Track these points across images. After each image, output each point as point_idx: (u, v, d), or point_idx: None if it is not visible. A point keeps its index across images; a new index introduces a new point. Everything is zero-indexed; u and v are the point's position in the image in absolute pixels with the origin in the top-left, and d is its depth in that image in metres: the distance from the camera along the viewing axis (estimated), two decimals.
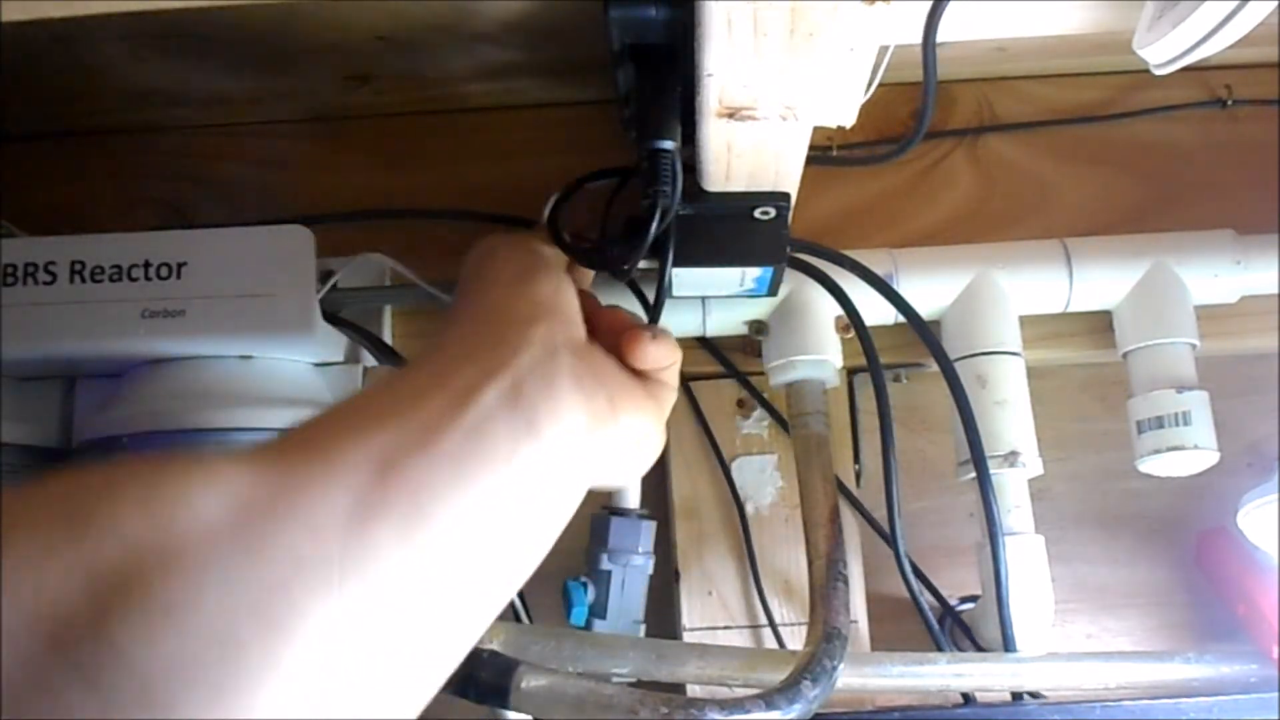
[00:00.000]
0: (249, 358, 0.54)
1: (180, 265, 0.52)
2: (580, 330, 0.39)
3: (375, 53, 0.57)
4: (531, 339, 0.35)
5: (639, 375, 0.40)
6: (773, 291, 0.56)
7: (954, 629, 0.62)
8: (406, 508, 0.28)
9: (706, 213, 0.49)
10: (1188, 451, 0.56)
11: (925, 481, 0.68)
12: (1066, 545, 0.66)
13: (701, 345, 0.63)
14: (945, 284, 0.60)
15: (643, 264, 0.46)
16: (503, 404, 0.32)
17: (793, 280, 0.58)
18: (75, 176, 0.66)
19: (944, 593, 0.62)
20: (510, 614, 0.56)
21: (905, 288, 0.59)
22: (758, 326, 0.60)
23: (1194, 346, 0.59)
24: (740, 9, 0.33)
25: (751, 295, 0.57)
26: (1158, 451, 0.57)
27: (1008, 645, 0.55)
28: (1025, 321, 0.60)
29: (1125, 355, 0.60)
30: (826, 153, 0.65)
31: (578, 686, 0.46)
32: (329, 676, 0.25)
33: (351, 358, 0.58)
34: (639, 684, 0.49)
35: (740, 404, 0.64)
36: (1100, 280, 0.60)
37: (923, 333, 0.58)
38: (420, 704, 0.29)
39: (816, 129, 0.42)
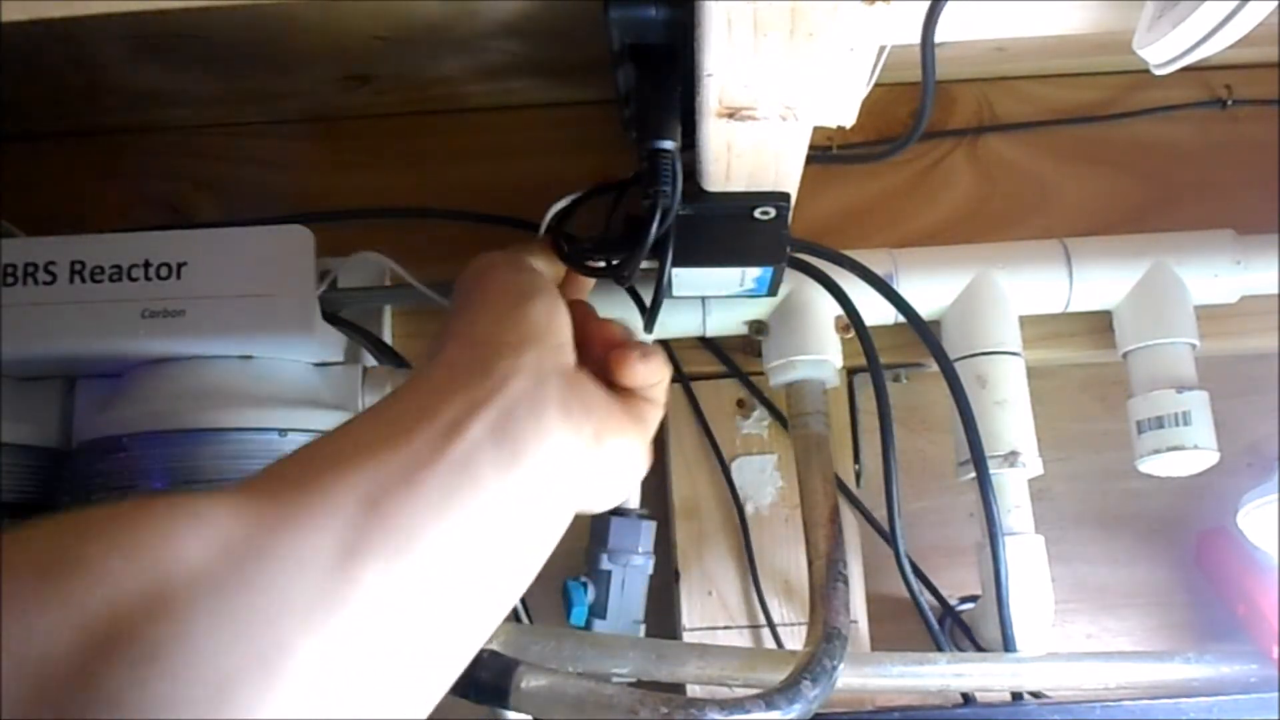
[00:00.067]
0: (249, 358, 0.54)
1: (180, 265, 0.52)
2: (569, 356, 0.39)
3: (375, 53, 0.57)
4: (520, 368, 0.35)
5: (625, 392, 0.40)
6: (773, 291, 0.56)
7: (954, 629, 0.62)
8: (392, 543, 0.28)
9: (706, 213, 0.49)
10: (1188, 451, 0.57)
11: (925, 481, 0.68)
12: (1066, 545, 0.66)
13: (702, 345, 0.63)
14: (945, 284, 0.60)
15: (643, 264, 0.46)
16: (489, 435, 0.32)
17: (793, 280, 0.58)
18: (75, 176, 0.66)
19: (944, 593, 0.62)
20: (510, 614, 0.56)
21: (905, 288, 0.59)
22: (758, 326, 0.60)
23: (1194, 346, 0.59)
24: (740, 9, 0.33)
25: (751, 295, 0.57)
26: (1158, 451, 0.57)
27: (1008, 645, 0.55)
28: (1025, 321, 0.60)
29: (1125, 355, 0.60)
30: (826, 152, 0.65)
31: (578, 686, 0.46)
32: (320, 710, 0.25)
33: (351, 358, 0.58)
34: (639, 684, 0.49)
35: (740, 404, 0.64)
36: (1100, 280, 0.60)
37: (923, 333, 0.58)
38: None
39: (816, 129, 0.42)
